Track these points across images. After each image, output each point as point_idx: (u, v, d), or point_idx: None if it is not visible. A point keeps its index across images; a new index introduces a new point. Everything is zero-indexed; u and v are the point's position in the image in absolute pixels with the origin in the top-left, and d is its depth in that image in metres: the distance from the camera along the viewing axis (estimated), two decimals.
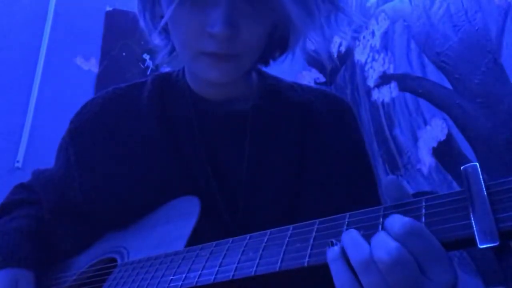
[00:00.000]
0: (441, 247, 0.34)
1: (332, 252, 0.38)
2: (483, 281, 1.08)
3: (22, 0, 2.06)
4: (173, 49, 0.67)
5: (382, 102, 1.74)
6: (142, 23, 0.65)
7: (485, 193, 0.33)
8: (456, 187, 1.27)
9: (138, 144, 0.66)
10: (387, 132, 1.69)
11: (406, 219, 0.35)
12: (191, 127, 0.66)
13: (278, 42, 0.63)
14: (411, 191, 1.49)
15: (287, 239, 0.42)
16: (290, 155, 0.65)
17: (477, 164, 0.35)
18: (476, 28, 1.19)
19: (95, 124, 0.70)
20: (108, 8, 2.32)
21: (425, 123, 1.45)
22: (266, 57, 0.67)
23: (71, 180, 0.70)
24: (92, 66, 2.14)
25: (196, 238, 0.54)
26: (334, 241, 0.39)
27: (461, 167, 0.35)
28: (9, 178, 1.69)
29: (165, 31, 0.64)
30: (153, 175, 0.65)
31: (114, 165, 0.67)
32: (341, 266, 0.37)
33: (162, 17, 0.60)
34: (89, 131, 0.70)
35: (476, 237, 0.32)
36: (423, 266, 0.34)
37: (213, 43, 0.54)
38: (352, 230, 0.38)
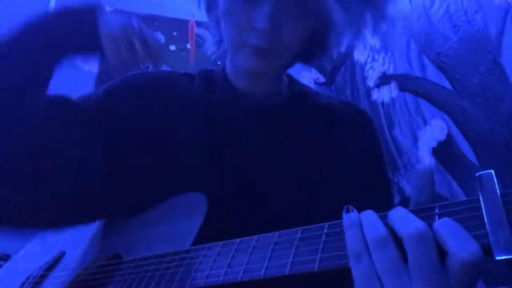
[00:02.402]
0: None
1: (349, 218, 0.38)
2: (483, 281, 1.08)
3: (22, 0, 2.06)
4: (221, 40, 0.73)
5: (382, 102, 1.74)
6: (206, 14, 0.72)
7: (501, 203, 0.32)
8: (455, 187, 1.27)
9: (179, 128, 0.70)
10: (387, 132, 1.69)
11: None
12: (226, 118, 0.70)
13: (318, 44, 0.68)
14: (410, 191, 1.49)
15: (296, 242, 0.42)
16: (310, 153, 0.68)
17: (493, 171, 0.34)
18: (476, 28, 1.19)
19: (141, 93, 0.72)
20: (108, 9, 2.32)
21: (425, 123, 1.45)
22: (306, 56, 0.71)
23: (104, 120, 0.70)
24: (92, 66, 2.14)
25: (203, 235, 0.54)
26: (350, 207, 0.39)
27: (476, 174, 0.35)
28: None
29: (218, 22, 0.70)
30: (183, 157, 0.68)
31: (147, 138, 0.69)
32: (356, 232, 0.37)
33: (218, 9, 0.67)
34: (133, 96, 0.72)
35: (493, 248, 0.31)
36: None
37: (256, 36, 0.60)
38: (370, 210, 0.39)
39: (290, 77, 0.78)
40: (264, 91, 0.71)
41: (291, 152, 0.68)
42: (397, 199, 1.59)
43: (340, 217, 0.41)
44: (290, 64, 0.72)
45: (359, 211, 0.40)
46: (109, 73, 2.22)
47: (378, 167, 0.72)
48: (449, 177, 1.30)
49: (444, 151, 1.34)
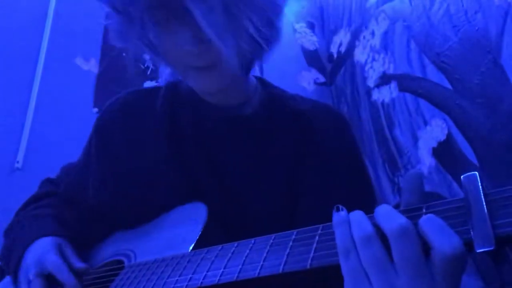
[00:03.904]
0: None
1: (338, 216, 0.40)
2: (483, 281, 1.08)
3: (22, 0, 2.06)
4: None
5: (382, 102, 1.74)
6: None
7: (483, 201, 0.34)
8: (456, 188, 1.27)
9: (148, 145, 0.71)
10: (387, 133, 1.69)
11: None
12: (196, 131, 0.70)
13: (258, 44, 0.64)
14: None
15: (291, 243, 0.43)
16: (286, 159, 0.68)
17: (477, 173, 0.36)
18: (476, 28, 1.19)
19: (114, 122, 0.76)
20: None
21: (425, 123, 1.45)
22: (255, 53, 0.67)
23: (87, 171, 0.75)
24: (92, 66, 2.14)
25: (201, 243, 0.55)
26: (340, 206, 0.40)
27: (461, 176, 0.37)
28: (9, 179, 1.69)
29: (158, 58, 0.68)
30: (157, 175, 0.68)
31: (124, 163, 0.71)
32: (345, 230, 0.38)
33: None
34: (109, 129, 0.76)
35: (474, 242, 0.33)
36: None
37: (192, 58, 0.60)
38: (358, 211, 0.40)
39: (262, 82, 0.76)
40: (233, 101, 0.70)
41: (268, 161, 0.68)
42: (397, 199, 1.59)
43: (323, 221, 0.43)
44: (247, 67, 0.68)
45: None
46: (109, 74, 2.21)
47: (357, 169, 0.71)
48: (449, 177, 1.31)
49: (444, 151, 1.34)
